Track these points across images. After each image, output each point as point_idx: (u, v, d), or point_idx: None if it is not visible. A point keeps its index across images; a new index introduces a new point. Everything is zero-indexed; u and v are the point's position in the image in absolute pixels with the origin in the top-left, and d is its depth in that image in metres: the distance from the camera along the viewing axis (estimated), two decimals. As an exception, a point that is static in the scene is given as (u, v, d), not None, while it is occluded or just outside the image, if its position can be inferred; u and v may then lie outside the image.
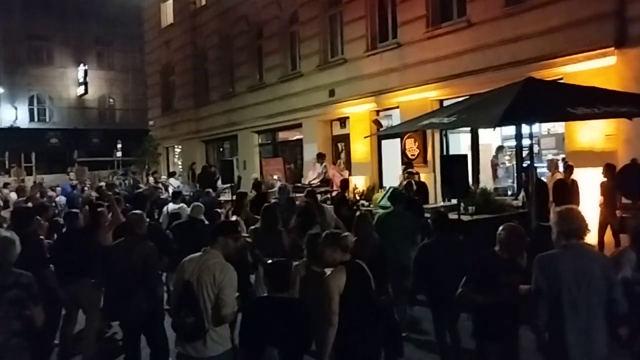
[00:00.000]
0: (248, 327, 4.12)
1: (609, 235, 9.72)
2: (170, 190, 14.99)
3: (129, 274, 5.45)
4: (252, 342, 4.05)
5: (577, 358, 3.71)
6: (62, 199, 16.06)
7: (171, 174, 21.81)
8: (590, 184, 9.98)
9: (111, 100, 39.55)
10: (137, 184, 20.61)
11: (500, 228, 4.65)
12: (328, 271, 4.51)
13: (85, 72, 36.28)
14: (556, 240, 3.96)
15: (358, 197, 12.50)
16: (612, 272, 3.84)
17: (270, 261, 4.36)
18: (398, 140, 14.42)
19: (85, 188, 18.39)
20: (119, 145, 30.92)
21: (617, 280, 3.92)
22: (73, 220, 7.25)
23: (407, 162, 13.43)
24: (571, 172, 10.15)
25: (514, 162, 11.80)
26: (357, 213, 6.49)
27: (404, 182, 10.05)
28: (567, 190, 9.85)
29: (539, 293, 3.87)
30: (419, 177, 11.71)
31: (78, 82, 36.74)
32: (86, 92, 36.61)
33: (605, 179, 9.75)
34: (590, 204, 9.77)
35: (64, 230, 7.51)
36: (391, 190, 9.23)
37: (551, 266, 3.79)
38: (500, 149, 12.78)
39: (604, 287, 3.76)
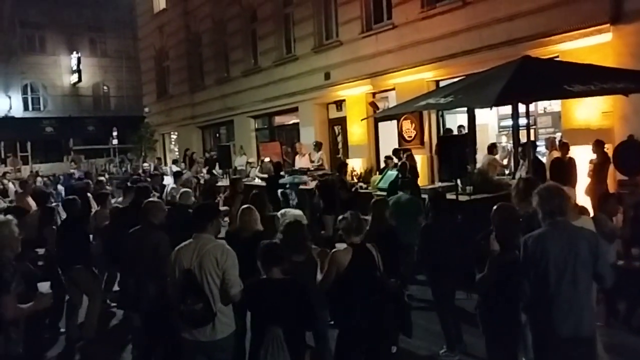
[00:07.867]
0: (251, 309, 4.26)
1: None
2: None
3: (140, 264, 5.44)
4: (254, 323, 4.19)
5: (565, 333, 3.77)
6: (60, 189, 16.10)
7: (174, 162, 21.71)
8: (587, 161, 10.00)
9: (105, 87, 39.25)
10: (136, 170, 20.56)
11: (494, 209, 4.46)
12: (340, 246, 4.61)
13: (79, 59, 36.03)
14: (542, 220, 3.99)
15: (356, 180, 12.54)
16: (597, 248, 3.85)
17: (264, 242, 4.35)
18: (395, 122, 14.44)
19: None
20: (115, 133, 30.72)
21: (602, 256, 3.92)
22: (70, 206, 7.32)
23: (395, 149, 13.41)
24: (567, 150, 10.13)
25: (512, 142, 11.80)
26: (374, 199, 6.70)
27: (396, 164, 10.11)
28: (564, 169, 9.85)
29: (525, 273, 3.93)
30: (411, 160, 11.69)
31: (71, 70, 36.45)
32: (80, 80, 36.36)
33: (595, 156, 9.79)
34: (587, 181, 9.85)
35: (64, 217, 7.60)
36: (400, 178, 9.38)
37: (538, 245, 3.82)
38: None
39: (590, 263, 3.80)
